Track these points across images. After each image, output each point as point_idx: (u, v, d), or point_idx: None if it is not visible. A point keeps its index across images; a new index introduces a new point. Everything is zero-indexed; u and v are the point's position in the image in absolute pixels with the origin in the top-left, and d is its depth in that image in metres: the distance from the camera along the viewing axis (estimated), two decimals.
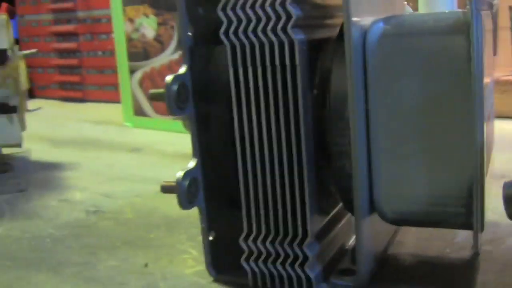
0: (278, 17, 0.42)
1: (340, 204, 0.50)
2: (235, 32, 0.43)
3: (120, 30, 1.22)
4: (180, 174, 0.45)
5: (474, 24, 0.38)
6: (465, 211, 0.40)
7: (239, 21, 0.43)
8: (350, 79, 0.40)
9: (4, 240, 0.61)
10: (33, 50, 1.14)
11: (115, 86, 1.57)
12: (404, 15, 0.42)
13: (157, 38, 1.16)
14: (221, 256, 0.48)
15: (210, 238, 0.48)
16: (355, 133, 0.41)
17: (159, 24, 1.15)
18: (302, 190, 0.43)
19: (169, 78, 0.44)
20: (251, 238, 0.45)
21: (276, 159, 0.44)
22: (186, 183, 0.45)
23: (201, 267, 0.50)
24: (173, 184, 0.46)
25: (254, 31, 0.43)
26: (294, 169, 0.43)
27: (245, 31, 0.43)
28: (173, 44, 1.14)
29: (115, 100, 1.52)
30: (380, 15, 0.44)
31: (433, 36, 0.40)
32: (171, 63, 1.15)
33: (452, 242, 0.53)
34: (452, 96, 0.40)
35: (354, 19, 0.40)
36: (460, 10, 0.41)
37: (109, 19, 1.56)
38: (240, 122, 0.45)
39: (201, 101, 0.46)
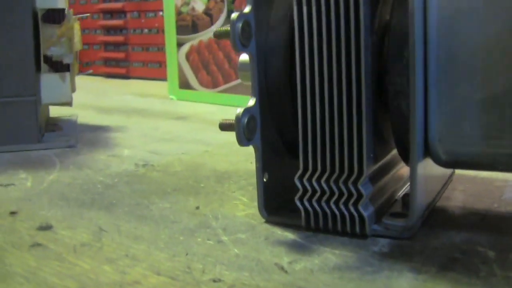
0: None
1: (393, 153, 0.50)
2: None
3: (170, 3, 1.23)
4: (239, 110, 0.45)
5: None
6: None
7: None
8: (411, 18, 0.40)
9: (55, 184, 0.62)
10: (86, 14, 1.15)
11: (160, 63, 1.59)
12: None
13: (207, 12, 1.17)
14: (274, 199, 0.49)
15: (264, 179, 0.48)
16: (414, 72, 0.40)
17: None
18: (360, 128, 0.43)
19: (234, 15, 0.44)
20: (306, 176, 0.45)
21: (336, 96, 0.44)
22: (245, 120, 0.45)
23: (252, 210, 0.51)
24: (232, 121, 0.46)
25: None
26: (352, 107, 0.43)
27: None
28: (223, 17, 1.14)
29: (160, 77, 1.54)
30: None
31: None
32: None
33: (500, 199, 0.52)
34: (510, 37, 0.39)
35: None
36: None
37: None
38: (301, 58, 0.45)
39: (262, 41, 0.47)
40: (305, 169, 0.46)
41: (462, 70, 0.41)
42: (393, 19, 0.43)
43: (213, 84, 1.18)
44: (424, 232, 0.45)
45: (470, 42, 0.40)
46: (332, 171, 0.45)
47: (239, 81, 1.13)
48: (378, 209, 0.45)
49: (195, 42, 1.19)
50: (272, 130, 0.49)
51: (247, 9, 0.46)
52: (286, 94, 0.47)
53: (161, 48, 1.57)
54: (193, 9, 1.19)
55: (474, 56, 0.40)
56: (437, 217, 0.48)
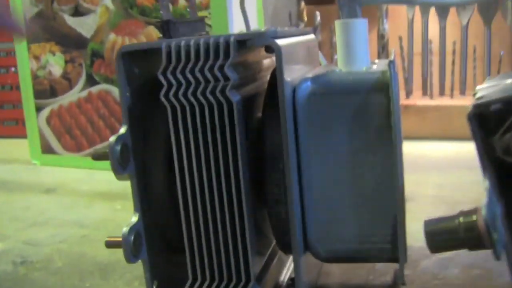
0: (216, 80, 0.45)
1: (273, 244, 0.54)
2: (175, 95, 0.46)
3: (25, 67, 1.20)
4: (125, 229, 0.47)
5: (393, 84, 0.43)
6: (391, 247, 0.46)
7: (179, 84, 0.46)
8: (284, 136, 0.44)
9: None
10: None
11: (17, 121, 1.54)
12: (328, 74, 0.47)
13: (65, 76, 1.16)
14: None
15: (154, 287, 0.50)
16: (290, 183, 0.45)
17: (67, 61, 1.15)
18: (243, 236, 0.46)
19: (112, 139, 0.46)
20: (196, 285, 0.48)
21: (218, 209, 0.47)
22: (131, 238, 0.47)
23: None
24: (119, 240, 0.48)
25: (194, 94, 0.46)
26: (235, 217, 0.46)
27: (184, 94, 0.46)
28: (82, 81, 1.14)
29: (18, 134, 1.49)
30: (302, 66, 0.48)
31: (357, 95, 0.45)
32: (80, 101, 1.15)
33: (374, 269, 0.58)
34: (375, 147, 0.45)
35: (287, 79, 0.44)
36: (378, 70, 0.46)
37: (7, 53, 1.54)
38: (181, 177, 0.47)
39: (141, 158, 0.49)
40: (194, 278, 0.48)
41: (333, 177, 0.46)
42: (265, 130, 0.47)
43: (78, 148, 1.17)
44: None
45: (339, 152, 0.46)
46: (221, 279, 0.48)
47: (102, 144, 1.13)
48: None
49: (55, 106, 1.18)
50: (159, 238, 0.51)
51: (123, 130, 0.48)
52: (169, 208, 0.49)
53: (16, 106, 1.52)
54: (50, 73, 1.17)
55: (343, 164, 0.46)
56: None
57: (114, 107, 1.11)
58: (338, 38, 0.51)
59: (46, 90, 1.19)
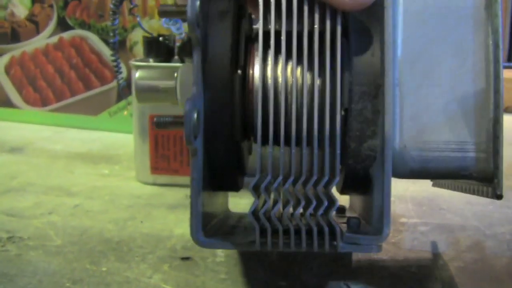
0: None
1: None
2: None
3: None
4: (188, 103, 0.36)
5: None
6: (486, 156, 0.39)
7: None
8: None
9: None
10: None
11: None
12: None
13: (31, 18, 1.00)
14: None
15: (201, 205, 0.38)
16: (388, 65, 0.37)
17: (34, 1, 0.99)
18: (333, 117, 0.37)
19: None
20: (266, 181, 0.37)
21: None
22: (195, 115, 0.36)
23: None
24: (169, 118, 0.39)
25: None
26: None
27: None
28: (52, 25, 0.99)
29: None
30: None
31: None
32: (48, 47, 1.00)
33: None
34: (473, 39, 0.39)
35: None
36: None
37: None
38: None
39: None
40: (263, 174, 0.37)
41: (425, 71, 0.39)
42: None
43: (42, 102, 1.02)
44: None
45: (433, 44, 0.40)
46: (298, 174, 0.37)
47: (73, 99, 0.99)
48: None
49: (16, 53, 1.02)
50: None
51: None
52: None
53: None
54: (12, 14, 1.01)
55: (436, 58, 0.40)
56: None
57: (90, 56, 0.97)
58: None
59: (6, 34, 1.03)
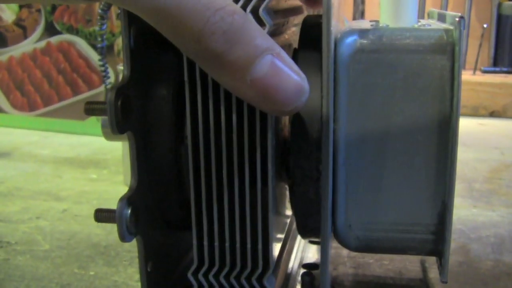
0: None
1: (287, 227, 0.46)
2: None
3: None
4: (121, 202, 0.37)
5: (460, 44, 0.35)
6: (434, 238, 0.38)
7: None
8: (326, 98, 0.35)
9: None
10: None
11: None
12: (378, 29, 0.38)
13: (18, 23, 1.00)
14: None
15: (149, 269, 0.39)
16: (327, 156, 0.35)
17: (21, 6, 0.99)
18: (265, 214, 0.37)
19: (110, 94, 0.35)
20: (202, 270, 0.38)
21: (236, 178, 0.37)
22: (128, 212, 0.36)
23: None
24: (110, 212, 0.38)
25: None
26: (257, 190, 0.37)
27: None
28: (39, 30, 0.99)
29: None
30: (336, 22, 0.38)
31: (415, 54, 0.36)
32: (36, 52, 1.00)
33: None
34: (427, 118, 0.37)
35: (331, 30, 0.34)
36: (441, 27, 0.37)
37: None
38: (194, 133, 0.37)
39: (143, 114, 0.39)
40: (200, 263, 0.39)
41: (375, 151, 0.37)
42: None
43: (30, 107, 1.02)
44: None
45: (384, 121, 0.37)
46: (233, 265, 0.38)
47: (61, 103, 0.99)
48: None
49: (3, 58, 1.02)
50: (158, 214, 0.40)
51: (122, 79, 0.36)
52: (174, 175, 0.39)
53: None
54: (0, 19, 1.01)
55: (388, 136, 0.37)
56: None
57: (78, 61, 0.97)
58: None
59: None
